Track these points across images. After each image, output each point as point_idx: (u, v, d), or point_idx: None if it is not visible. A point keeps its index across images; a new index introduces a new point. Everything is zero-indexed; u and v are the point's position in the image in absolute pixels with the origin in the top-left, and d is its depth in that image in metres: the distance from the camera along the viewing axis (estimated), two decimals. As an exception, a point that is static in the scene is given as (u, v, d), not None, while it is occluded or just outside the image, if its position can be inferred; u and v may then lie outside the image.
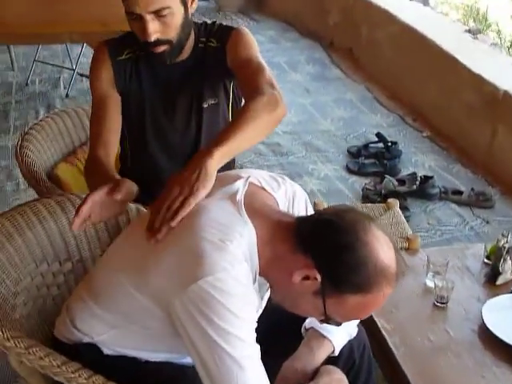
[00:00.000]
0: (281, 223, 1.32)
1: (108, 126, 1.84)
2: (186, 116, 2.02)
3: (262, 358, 1.28)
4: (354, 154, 4.08)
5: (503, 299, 2.07)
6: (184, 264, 1.23)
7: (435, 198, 3.58)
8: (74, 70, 5.05)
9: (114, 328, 1.42)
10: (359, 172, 3.89)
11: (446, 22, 5.20)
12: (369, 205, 2.73)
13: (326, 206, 2.67)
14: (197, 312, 1.19)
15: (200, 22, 2.03)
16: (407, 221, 3.32)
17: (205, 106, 2.02)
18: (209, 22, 2.06)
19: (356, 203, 3.50)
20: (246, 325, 1.24)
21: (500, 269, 2.17)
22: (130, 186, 1.51)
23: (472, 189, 3.61)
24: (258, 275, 1.32)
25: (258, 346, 1.26)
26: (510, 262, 2.18)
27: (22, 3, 3.83)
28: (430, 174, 3.73)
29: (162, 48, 1.83)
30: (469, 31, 4.81)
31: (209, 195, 1.36)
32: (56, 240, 1.73)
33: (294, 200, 1.51)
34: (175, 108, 2.00)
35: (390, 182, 3.56)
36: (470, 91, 4.10)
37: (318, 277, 1.25)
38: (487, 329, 1.94)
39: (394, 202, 2.68)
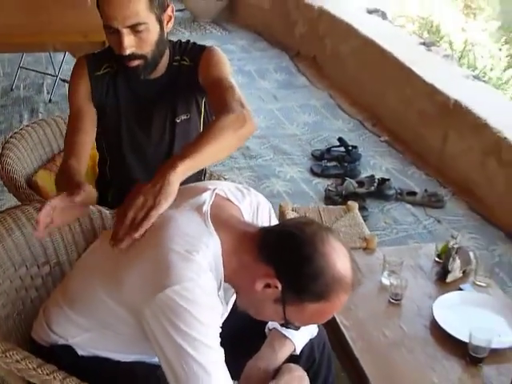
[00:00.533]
0: (246, 234, 1.30)
1: (82, 138, 1.79)
2: (160, 130, 1.97)
3: (228, 358, 1.26)
4: (318, 157, 4.07)
5: (452, 296, 2.07)
6: (153, 274, 1.21)
7: (391, 199, 3.59)
8: (56, 77, 4.96)
9: (88, 332, 1.39)
10: (322, 174, 3.88)
11: (402, 34, 5.21)
12: (330, 207, 2.72)
13: (290, 207, 2.66)
14: (165, 319, 1.17)
15: (175, 40, 1.98)
16: (366, 220, 3.33)
17: (178, 120, 1.98)
18: (183, 40, 2.01)
19: (319, 204, 3.49)
20: (212, 331, 1.22)
21: (450, 267, 2.17)
22: (90, 190, 1.46)
23: (425, 190, 3.62)
24: (223, 283, 1.30)
25: (222, 350, 1.24)
26: (458, 261, 2.18)
27: (8, 14, 3.79)
28: (387, 177, 3.74)
29: (136, 62, 1.78)
30: (423, 43, 4.82)
31: (177, 206, 1.33)
32: (34, 245, 1.69)
33: (258, 210, 1.49)
34: (150, 122, 1.96)
35: (351, 183, 3.56)
36: (424, 100, 4.12)
37: (279, 285, 1.24)
38: (438, 324, 1.94)
39: (354, 205, 2.67)
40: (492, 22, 7.03)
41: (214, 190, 1.39)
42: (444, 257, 2.21)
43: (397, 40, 4.87)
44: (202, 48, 1.95)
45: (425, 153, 4.12)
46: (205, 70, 1.88)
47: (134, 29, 1.71)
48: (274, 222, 1.54)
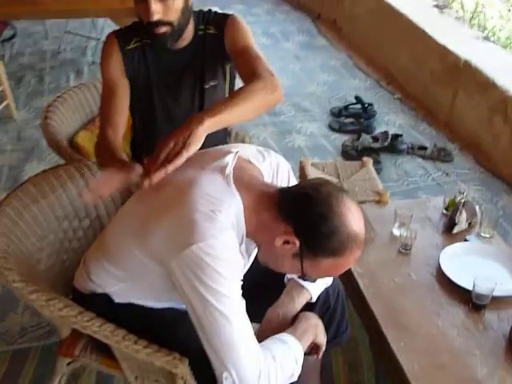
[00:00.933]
0: (265, 194, 1.27)
1: (116, 109, 1.73)
2: (190, 96, 1.91)
3: (250, 304, 1.24)
4: (336, 114, 3.98)
5: (457, 247, 2.03)
6: (179, 231, 1.18)
7: (403, 153, 3.51)
8: (99, 40, 4.92)
9: (123, 282, 1.39)
10: (340, 130, 3.80)
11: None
12: (347, 162, 2.66)
13: (310, 163, 2.60)
14: (191, 273, 1.16)
15: (197, 10, 1.89)
16: (379, 173, 3.28)
17: (206, 87, 1.91)
18: (205, 10, 1.92)
19: (337, 158, 3.43)
20: (233, 284, 1.20)
21: (456, 220, 2.12)
22: (139, 169, 1.39)
23: (435, 145, 3.54)
24: (244, 238, 1.28)
25: (243, 301, 1.23)
26: (464, 214, 2.13)
27: None
28: (399, 132, 3.65)
29: (163, 29, 1.69)
30: (436, 6, 4.63)
31: (202, 167, 1.30)
32: (75, 200, 1.67)
33: (277, 170, 1.45)
34: (180, 90, 1.89)
35: (366, 139, 3.49)
36: (436, 59, 3.98)
37: (297, 242, 1.21)
38: (443, 273, 1.90)
39: (368, 161, 2.60)
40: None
41: (237, 152, 1.35)
42: (451, 210, 2.15)
43: (411, 2, 4.67)
44: (226, 16, 1.87)
45: (435, 110, 4.00)
46: (230, 37, 1.81)
47: None
48: (293, 181, 1.50)
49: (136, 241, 1.27)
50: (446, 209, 2.23)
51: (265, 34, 5.50)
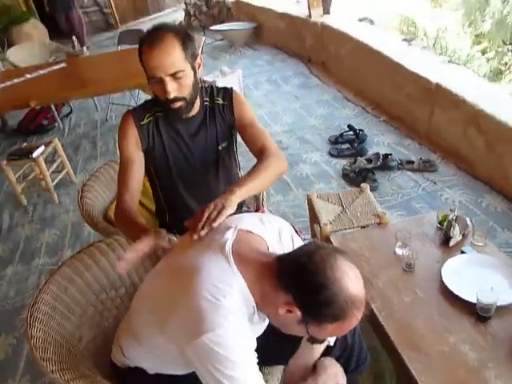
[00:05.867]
0: (264, 264, 1.05)
1: (133, 178, 1.54)
2: (204, 158, 1.72)
3: (275, 350, 1.12)
4: (333, 141, 3.73)
5: (456, 261, 1.76)
6: (190, 320, 0.97)
7: (394, 169, 3.23)
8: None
9: (152, 359, 1.18)
10: (338, 155, 3.54)
11: (387, 35, 4.71)
12: (347, 190, 2.40)
13: (315, 195, 2.36)
14: (205, 360, 0.96)
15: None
16: (376, 189, 3.02)
17: (220, 148, 1.72)
18: (205, 85, 1.76)
19: (338, 181, 3.18)
20: (247, 365, 0.99)
21: (451, 234, 1.86)
22: (165, 235, 1.24)
23: (420, 158, 3.25)
24: (255, 308, 1.06)
25: (260, 375, 1.01)
26: (457, 228, 1.87)
27: (102, 71, 4.21)
28: (388, 151, 3.38)
29: (178, 104, 1.54)
30: (405, 40, 4.35)
31: (201, 244, 1.11)
32: (110, 273, 1.48)
33: (281, 235, 1.22)
34: (194, 154, 1.70)
35: (361, 161, 3.23)
36: (411, 84, 3.70)
37: (298, 312, 0.99)
38: (447, 288, 1.65)
39: (365, 187, 2.35)
40: (457, 11, 6.38)
41: (236, 227, 1.14)
42: (445, 226, 1.89)
43: (383, 40, 4.39)
44: (229, 89, 1.74)
45: (416, 126, 3.71)
46: (238, 108, 1.70)
47: (175, 76, 1.47)
48: (298, 242, 1.26)
49: (157, 328, 1.06)
50: (440, 223, 1.97)
51: (268, 81, 5.27)
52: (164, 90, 1.49)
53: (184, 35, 1.49)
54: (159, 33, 1.46)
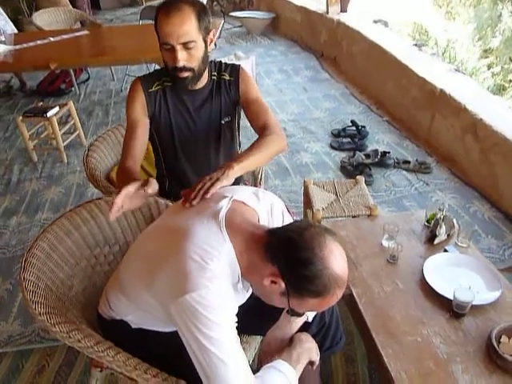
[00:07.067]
0: (254, 235, 1.02)
1: (136, 143, 1.51)
2: (207, 131, 1.68)
3: (255, 321, 1.11)
4: (336, 135, 3.67)
5: (438, 258, 1.73)
6: (176, 279, 0.94)
7: (391, 167, 3.18)
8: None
9: (135, 312, 1.16)
10: (339, 148, 3.48)
11: (399, 38, 4.62)
12: (342, 180, 2.36)
13: (312, 182, 2.33)
14: (187, 319, 0.93)
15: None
16: (371, 184, 2.98)
17: (223, 122, 1.68)
18: (216, 60, 1.71)
19: (336, 172, 3.14)
20: (226, 328, 0.95)
21: (437, 233, 1.83)
22: (155, 185, 1.20)
23: (416, 159, 3.20)
24: (240, 277, 1.03)
25: (238, 339, 0.98)
26: (444, 227, 1.84)
27: (118, 42, 4.13)
28: (387, 149, 3.33)
29: (186, 74, 1.50)
30: (416, 45, 4.26)
31: (197, 212, 1.07)
32: (105, 230, 1.45)
33: (272, 210, 1.19)
34: (197, 125, 1.66)
35: (360, 156, 3.18)
36: (416, 88, 3.64)
37: (282, 284, 0.96)
38: (427, 282, 1.62)
39: (361, 179, 2.31)
40: (468, 25, 6.27)
41: (231, 197, 1.10)
42: (432, 224, 1.86)
43: (395, 42, 4.32)
44: (237, 66, 1.68)
45: (416, 129, 3.66)
46: (244, 85, 1.66)
47: (186, 45, 1.44)
48: (288, 219, 1.23)
49: (144, 283, 1.03)
50: (428, 221, 1.94)
51: (280, 70, 5.20)
52: (174, 57, 1.45)
53: (200, 8, 1.45)
54: (177, 2, 1.42)
